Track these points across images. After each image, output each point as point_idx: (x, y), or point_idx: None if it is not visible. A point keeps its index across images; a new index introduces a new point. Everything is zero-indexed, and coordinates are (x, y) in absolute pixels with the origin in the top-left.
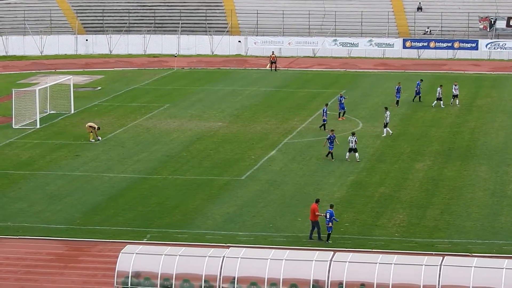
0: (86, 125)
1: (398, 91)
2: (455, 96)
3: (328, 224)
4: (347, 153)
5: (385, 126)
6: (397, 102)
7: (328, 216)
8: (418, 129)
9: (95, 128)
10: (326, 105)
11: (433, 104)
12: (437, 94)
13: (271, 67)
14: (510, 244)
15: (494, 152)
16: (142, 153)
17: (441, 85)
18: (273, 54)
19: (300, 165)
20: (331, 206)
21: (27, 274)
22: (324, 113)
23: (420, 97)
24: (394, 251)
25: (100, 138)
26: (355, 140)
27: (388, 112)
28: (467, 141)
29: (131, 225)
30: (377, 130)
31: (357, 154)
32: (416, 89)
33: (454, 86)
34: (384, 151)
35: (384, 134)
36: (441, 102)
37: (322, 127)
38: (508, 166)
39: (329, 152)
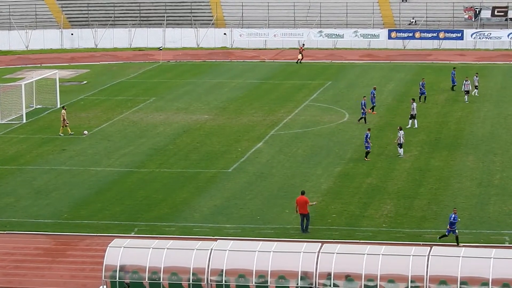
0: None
1: (423, 86)
2: (467, 92)
3: (449, 227)
4: (401, 150)
5: (413, 117)
6: (424, 97)
7: (452, 219)
8: (404, 119)
9: (64, 115)
10: (364, 97)
11: (475, 94)
12: (474, 82)
13: (301, 59)
14: (497, 233)
15: (481, 141)
16: (129, 147)
17: (476, 73)
18: (302, 45)
19: (287, 156)
20: (455, 211)
21: (15, 269)
22: (363, 106)
23: (453, 86)
24: (382, 242)
25: (72, 133)
26: (402, 135)
27: (414, 104)
28: (453, 131)
29: (118, 218)
30: (363, 121)
31: (401, 149)
32: (451, 78)
33: (465, 81)
34: (371, 142)
35: (409, 126)
36: (476, 90)
37: (362, 120)
38: (494, 155)
39: (367, 152)
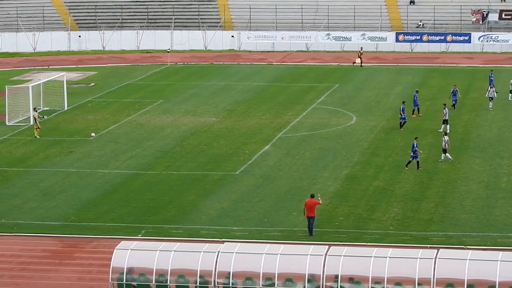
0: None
1: (454, 93)
2: (491, 99)
3: None
4: (442, 155)
5: (446, 122)
6: (453, 105)
7: None
8: (411, 122)
9: (36, 117)
10: (403, 102)
11: (510, 98)
12: (510, 86)
13: (360, 63)
14: (504, 236)
15: (488, 144)
16: (136, 149)
17: None
18: (361, 49)
19: (294, 159)
20: None
21: (21, 271)
22: (402, 112)
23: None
24: (389, 245)
25: (38, 136)
26: (447, 141)
27: (446, 109)
28: (460, 134)
29: (125, 221)
30: (371, 124)
31: (448, 154)
32: (489, 81)
33: (489, 87)
34: (378, 145)
35: (441, 130)
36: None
37: (403, 126)
38: (501, 158)
39: (409, 161)
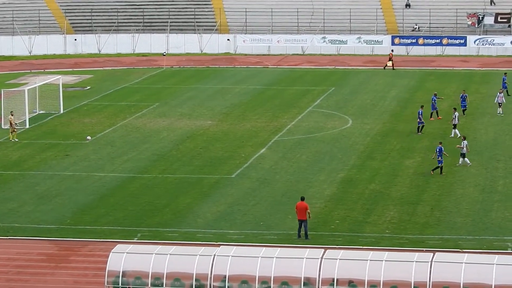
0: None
1: (464, 99)
2: (499, 104)
3: None
4: (460, 159)
5: (454, 127)
6: (463, 111)
7: None
8: (407, 125)
9: (11, 120)
10: (422, 107)
11: None
12: None
13: (392, 66)
14: (500, 239)
15: (484, 148)
16: (132, 152)
17: None
18: (392, 51)
19: (290, 162)
20: None
21: (17, 275)
22: (420, 116)
23: (507, 90)
24: (385, 248)
25: (16, 139)
26: (466, 145)
27: (456, 113)
28: (456, 137)
29: (121, 224)
30: (367, 127)
31: (466, 159)
32: (503, 84)
33: (498, 93)
34: (374, 148)
35: (452, 135)
36: None
37: (420, 130)
38: (497, 162)
39: (437, 167)
